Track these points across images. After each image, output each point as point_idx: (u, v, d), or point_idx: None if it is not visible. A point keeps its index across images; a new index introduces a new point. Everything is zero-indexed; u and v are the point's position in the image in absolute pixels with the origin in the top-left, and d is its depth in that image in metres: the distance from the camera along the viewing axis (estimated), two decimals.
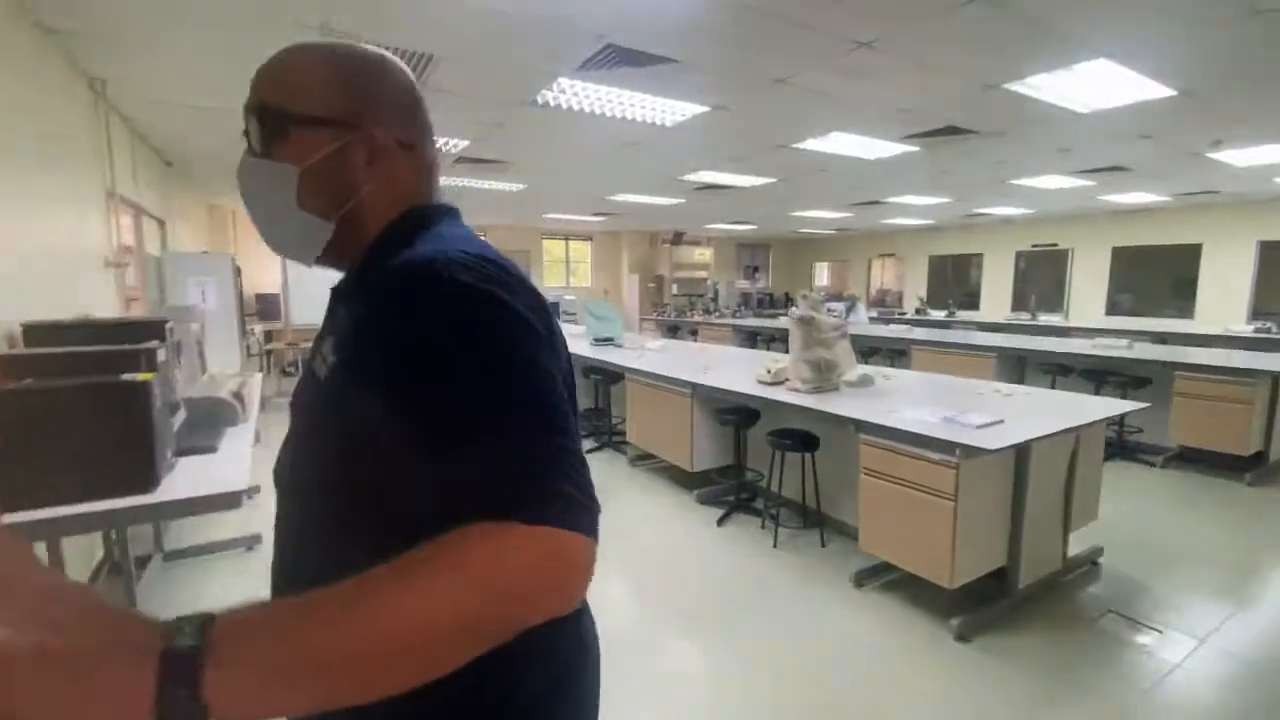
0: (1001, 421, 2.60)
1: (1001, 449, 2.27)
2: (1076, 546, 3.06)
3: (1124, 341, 5.46)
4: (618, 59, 3.26)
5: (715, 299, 12.99)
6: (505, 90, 3.86)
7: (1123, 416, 4.86)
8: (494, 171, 6.63)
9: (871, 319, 10.86)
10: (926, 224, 12.26)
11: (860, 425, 2.73)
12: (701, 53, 3.26)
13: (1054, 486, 2.86)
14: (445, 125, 4.71)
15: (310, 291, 9.86)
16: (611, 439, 5.34)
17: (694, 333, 10.54)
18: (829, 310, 8.95)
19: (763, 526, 3.62)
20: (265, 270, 10.00)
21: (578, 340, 6.13)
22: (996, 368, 5.77)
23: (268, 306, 9.90)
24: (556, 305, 8.66)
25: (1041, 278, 11.70)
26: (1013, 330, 8.78)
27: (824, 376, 3.39)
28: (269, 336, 9.61)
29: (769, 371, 3.66)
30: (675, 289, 13.78)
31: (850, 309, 9.16)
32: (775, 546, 3.35)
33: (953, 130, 4.83)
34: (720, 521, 3.71)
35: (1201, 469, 4.65)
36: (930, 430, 2.47)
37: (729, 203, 8.84)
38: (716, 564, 3.26)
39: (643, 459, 4.82)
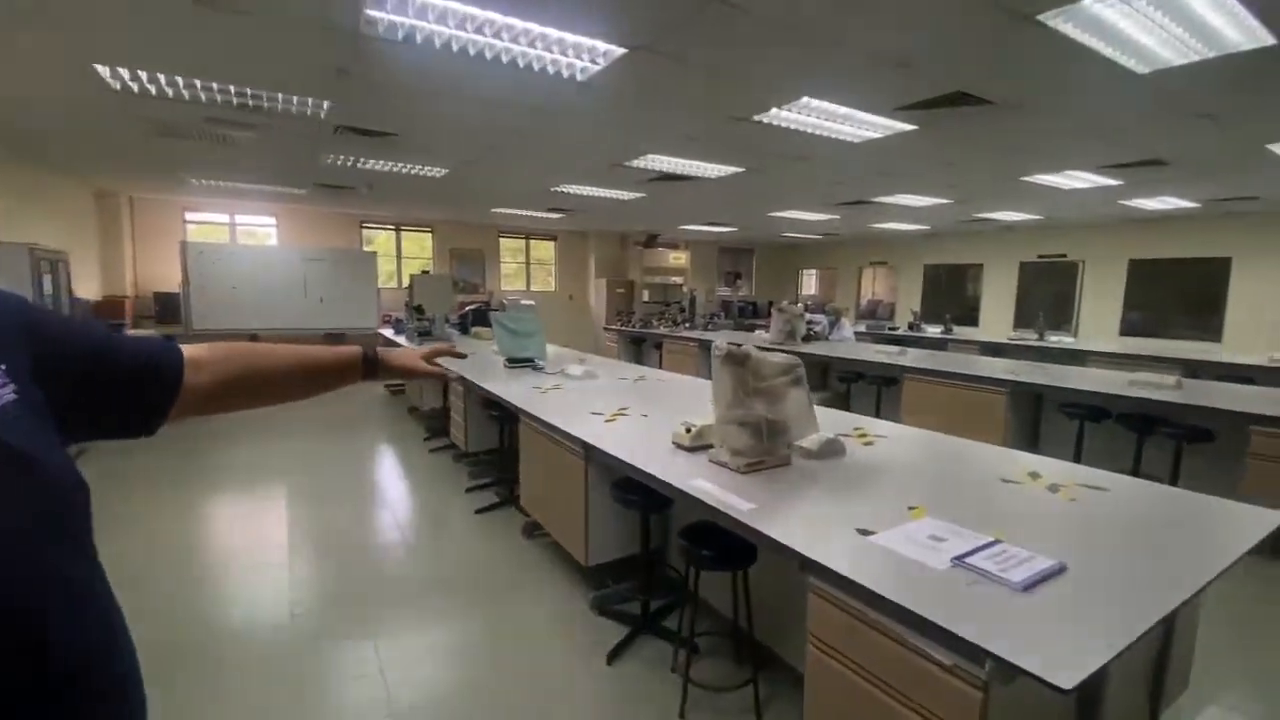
0: (1062, 569, 1.40)
1: (1078, 684, 1.06)
2: None
3: (1171, 379, 4.29)
4: None
5: (690, 307, 11.80)
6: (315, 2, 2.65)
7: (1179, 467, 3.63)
8: (396, 150, 5.41)
9: (860, 334, 9.69)
10: (922, 229, 11.13)
11: (809, 565, 1.52)
12: None
13: (1142, 670, 1.67)
14: (266, 67, 3.50)
15: (216, 293, 8.62)
16: (514, 493, 4.12)
17: (659, 346, 9.33)
18: (809, 324, 7.80)
19: (673, 669, 2.41)
20: (168, 265, 8.74)
21: (494, 361, 4.89)
22: (1009, 407, 4.58)
23: (167, 308, 8.63)
24: (482, 311, 7.19)
25: (1047, 292, 10.59)
26: (1019, 353, 7.62)
27: (768, 445, 2.18)
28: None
29: (688, 431, 2.45)
30: (647, 295, 12.59)
31: (834, 324, 7.99)
32: (682, 716, 2.13)
33: (961, 98, 3.65)
34: (613, 655, 2.49)
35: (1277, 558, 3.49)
36: (937, 609, 1.26)
37: (695, 198, 7.65)
38: None
39: (540, 528, 3.60)
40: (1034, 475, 2.14)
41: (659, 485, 2.12)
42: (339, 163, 5.95)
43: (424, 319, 6.24)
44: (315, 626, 2.73)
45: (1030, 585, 1.33)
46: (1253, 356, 6.76)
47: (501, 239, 11.87)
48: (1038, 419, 4.93)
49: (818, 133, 4.43)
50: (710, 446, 2.33)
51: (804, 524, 1.72)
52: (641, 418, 3.05)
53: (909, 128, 4.26)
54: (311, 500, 4.34)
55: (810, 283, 15.95)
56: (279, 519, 3.94)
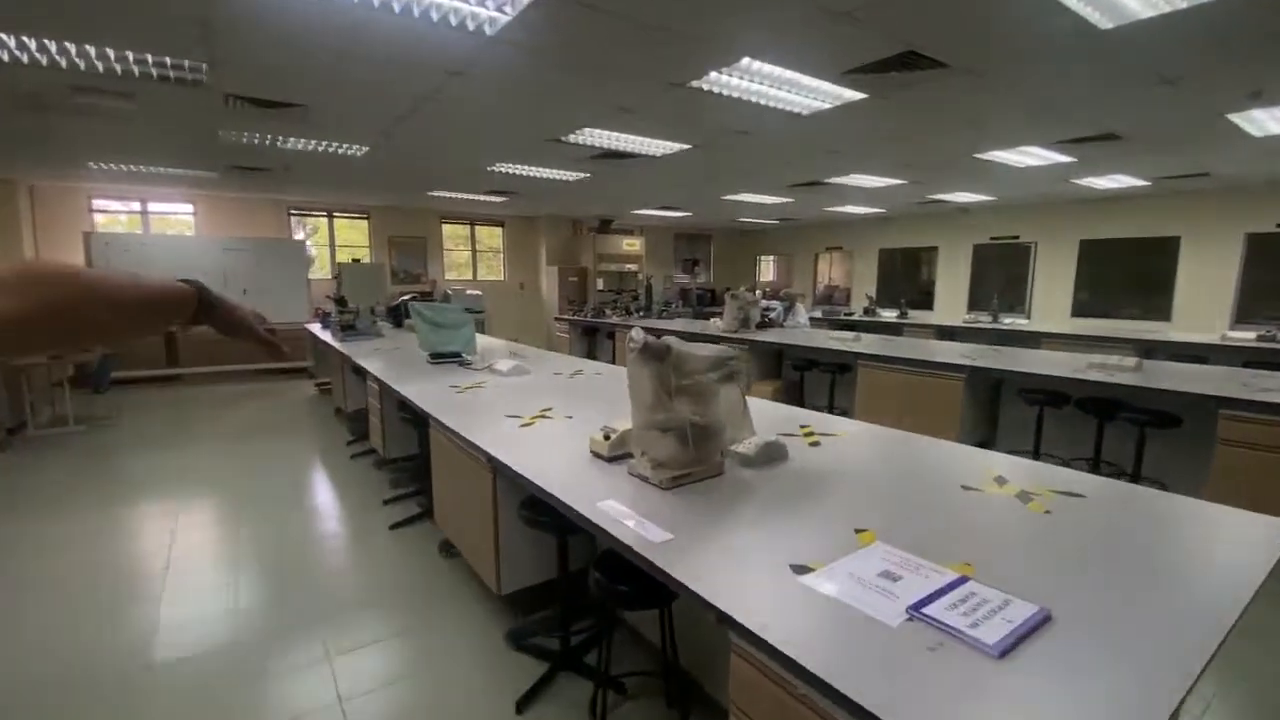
0: (1046, 619, 1.09)
1: None
2: None
3: (1131, 360, 4.12)
4: None
5: (646, 295, 11.44)
6: None
7: (1140, 458, 3.48)
8: (305, 125, 4.88)
9: (815, 320, 9.50)
10: (877, 213, 10.98)
11: (726, 620, 1.17)
12: None
13: None
14: (114, 19, 2.97)
15: None
16: (433, 507, 3.70)
17: (611, 337, 8.95)
18: (764, 310, 7.52)
19: (593, 712, 2.06)
20: (73, 258, 7.96)
21: (420, 356, 4.42)
22: (967, 393, 4.36)
23: None
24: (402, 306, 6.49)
25: (1000, 275, 10.56)
26: (974, 336, 7.51)
27: (695, 453, 1.84)
28: None
29: (606, 437, 2.09)
30: (601, 284, 12.17)
31: (789, 310, 7.73)
32: None
33: (913, 60, 3.34)
34: (525, 701, 2.13)
35: None
36: (890, 691, 0.93)
37: (643, 178, 7.26)
38: None
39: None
40: (1000, 480, 1.85)
41: (563, 507, 1.75)
42: (245, 140, 5.38)
43: (347, 311, 5.72)
44: (180, 677, 2.29)
45: (1009, 647, 1.01)
46: (1205, 335, 6.77)
47: (444, 225, 11.26)
48: (996, 405, 4.73)
49: (763, 102, 4.09)
50: (631, 456, 1.98)
51: (728, 558, 1.37)
52: (566, 420, 2.68)
53: (859, 96, 3.95)
54: (206, 518, 3.85)
55: (769, 269, 15.76)
56: (162, 542, 3.44)
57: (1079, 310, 9.54)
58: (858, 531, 1.47)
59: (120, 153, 6.05)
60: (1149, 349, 6.18)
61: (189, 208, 8.95)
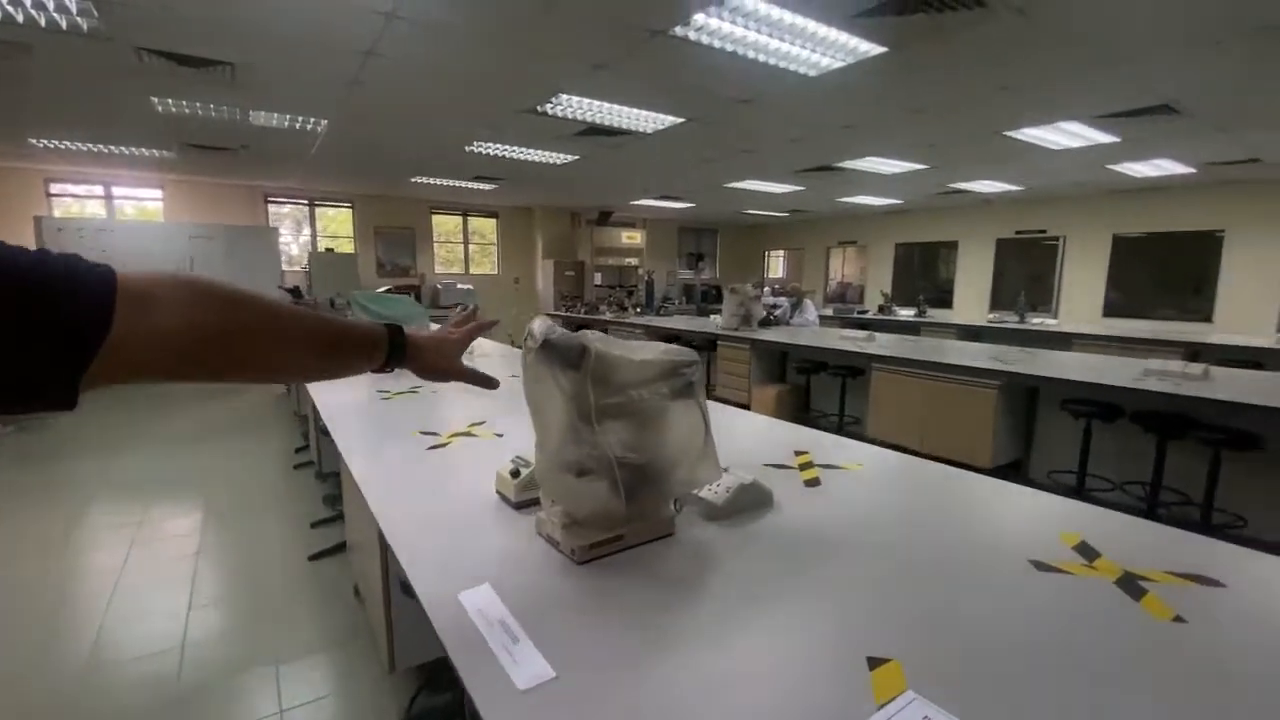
0: None
1: None
2: None
3: (1196, 368, 3.46)
4: None
5: (647, 291, 10.83)
6: None
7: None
8: (246, 91, 4.32)
9: (827, 318, 8.86)
10: (893, 204, 10.30)
11: None
12: None
13: None
14: None
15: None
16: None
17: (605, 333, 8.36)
18: (770, 308, 6.89)
19: None
20: (27, 245, 7.40)
21: None
22: (1001, 405, 3.72)
23: None
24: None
25: (1024, 272, 9.86)
26: (999, 337, 6.85)
27: (631, 506, 1.23)
28: None
29: (515, 474, 1.49)
30: (599, 279, 11.57)
31: (796, 306, 7.11)
32: None
33: None
34: None
35: None
36: None
37: (637, 160, 6.65)
38: None
39: None
40: (1086, 550, 1.23)
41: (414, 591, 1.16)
42: (186, 111, 4.82)
43: (303, 303, 5.17)
44: None
45: None
46: (1255, 338, 6.08)
47: (435, 215, 10.69)
48: (1031, 418, 4.09)
49: (762, 59, 3.47)
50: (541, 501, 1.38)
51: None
52: (494, 438, 2.09)
53: (876, 50, 3.32)
54: (99, 541, 3.29)
55: (778, 265, 15.11)
56: (35, 569, 2.89)
57: (1111, 310, 8.84)
58: (873, 664, 0.86)
59: (58, 126, 5.53)
60: (1195, 352, 5.52)
61: (157, 192, 8.44)
